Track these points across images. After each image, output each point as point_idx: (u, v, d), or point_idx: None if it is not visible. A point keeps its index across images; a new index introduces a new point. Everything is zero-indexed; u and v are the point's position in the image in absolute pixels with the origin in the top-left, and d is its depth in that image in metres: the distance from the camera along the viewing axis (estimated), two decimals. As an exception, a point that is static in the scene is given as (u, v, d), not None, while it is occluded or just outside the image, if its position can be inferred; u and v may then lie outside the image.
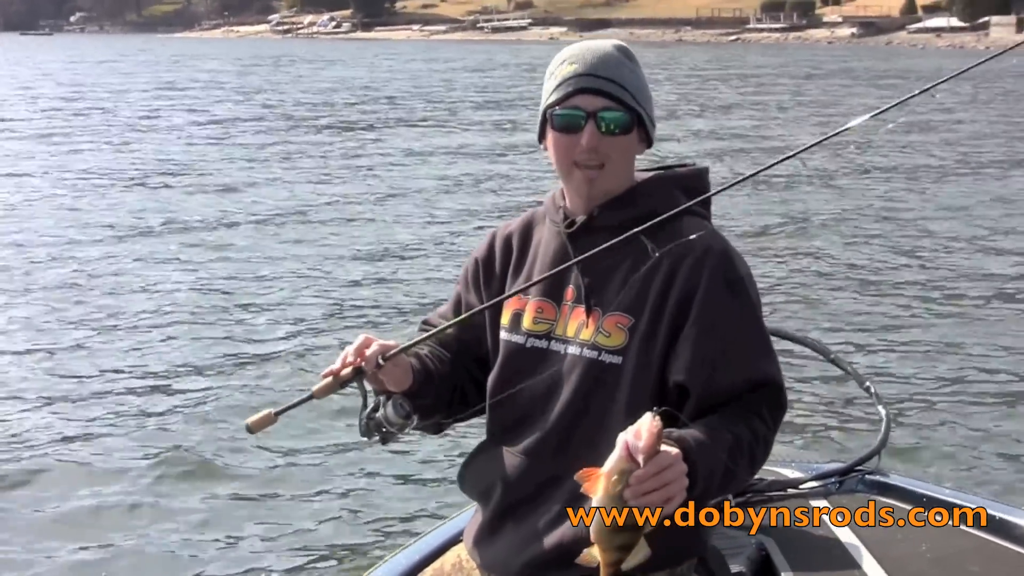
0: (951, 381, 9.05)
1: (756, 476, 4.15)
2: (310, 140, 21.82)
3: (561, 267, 2.69)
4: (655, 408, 2.32)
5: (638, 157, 2.74)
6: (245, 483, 7.19)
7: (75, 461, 7.33)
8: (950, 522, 3.99)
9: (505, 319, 2.76)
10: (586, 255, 2.63)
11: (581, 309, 2.65)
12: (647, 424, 2.29)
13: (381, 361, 2.58)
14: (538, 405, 2.66)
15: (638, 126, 2.65)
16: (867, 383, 4.66)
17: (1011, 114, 28.84)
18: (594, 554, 2.36)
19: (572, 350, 2.64)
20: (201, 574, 6.10)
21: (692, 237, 2.58)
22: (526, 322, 2.72)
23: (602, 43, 2.67)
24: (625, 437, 2.30)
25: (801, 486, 4.24)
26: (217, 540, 6.50)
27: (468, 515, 3.76)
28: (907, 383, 8.97)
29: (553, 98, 2.64)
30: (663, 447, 2.30)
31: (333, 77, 34.75)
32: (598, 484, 2.33)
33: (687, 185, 2.74)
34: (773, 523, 3.99)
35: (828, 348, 4.95)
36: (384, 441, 2.70)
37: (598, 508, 2.33)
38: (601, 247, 2.62)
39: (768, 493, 4.19)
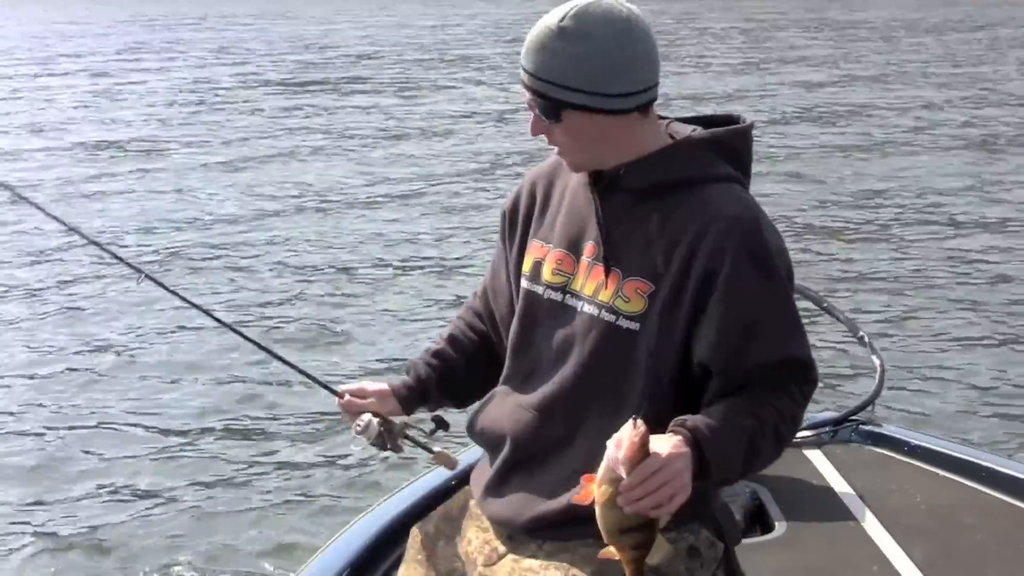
0: (946, 332, 9.05)
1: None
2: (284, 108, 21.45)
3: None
4: (634, 415, 2.28)
5: (665, 111, 2.66)
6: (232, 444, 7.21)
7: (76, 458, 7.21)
8: (944, 473, 4.00)
9: (527, 266, 2.71)
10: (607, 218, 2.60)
11: (600, 268, 2.58)
12: (627, 433, 2.26)
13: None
14: (552, 360, 2.62)
15: (570, 108, 2.53)
16: (861, 332, 4.66)
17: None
18: (613, 553, 2.36)
19: (589, 309, 2.58)
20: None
21: (721, 205, 2.52)
22: (545, 272, 2.66)
23: (545, 20, 2.54)
24: (610, 443, 2.28)
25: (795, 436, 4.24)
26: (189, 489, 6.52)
27: (472, 455, 3.79)
28: (902, 333, 8.97)
29: None
30: (665, 441, 2.30)
31: (286, 35, 34.03)
32: (590, 497, 2.32)
33: (725, 146, 2.62)
34: (767, 472, 3.99)
35: (822, 297, 4.95)
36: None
37: (601, 519, 2.32)
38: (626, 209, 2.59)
39: (762, 442, 4.19)
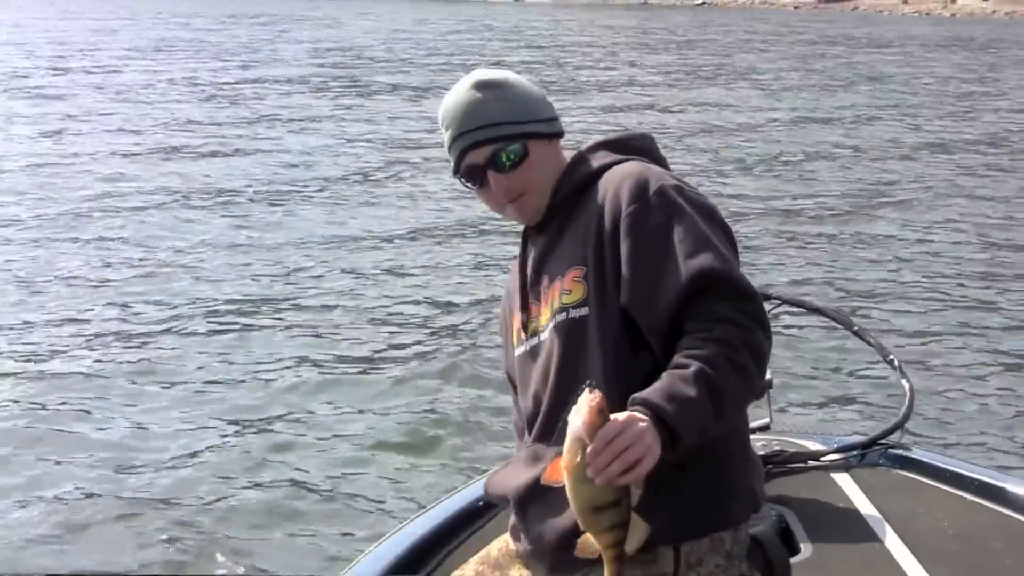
0: (976, 356, 9.02)
1: (777, 448, 4.17)
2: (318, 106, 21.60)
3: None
4: (590, 382, 2.33)
5: (568, 142, 2.83)
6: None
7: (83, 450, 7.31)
8: (972, 498, 3.97)
9: (515, 340, 2.84)
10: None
11: (550, 290, 2.70)
12: (584, 400, 2.29)
13: None
14: (540, 395, 2.69)
15: (534, 138, 2.72)
16: (891, 356, 4.64)
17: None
18: (589, 541, 2.34)
19: (550, 327, 2.67)
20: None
21: (615, 175, 2.66)
22: (524, 330, 2.78)
23: (459, 89, 2.76)
24: (570, 417, 2.30)
25: (823, 458, 4.23)
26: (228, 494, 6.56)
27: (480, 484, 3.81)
28: (932, 356, 8.93)
29: (453, 165, 2.77)
30: (628, 416, 2.30)
31: (301, 39, 34.08)
32: (560, 473, 2.32)
33: (616, 146, 2.78)
34: (794, 494, 3.98)
35: (852, 320, 4.93)
36: None
37: (572, 497, 2.31)
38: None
39: (789, 464, 4.18)
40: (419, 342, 9.25)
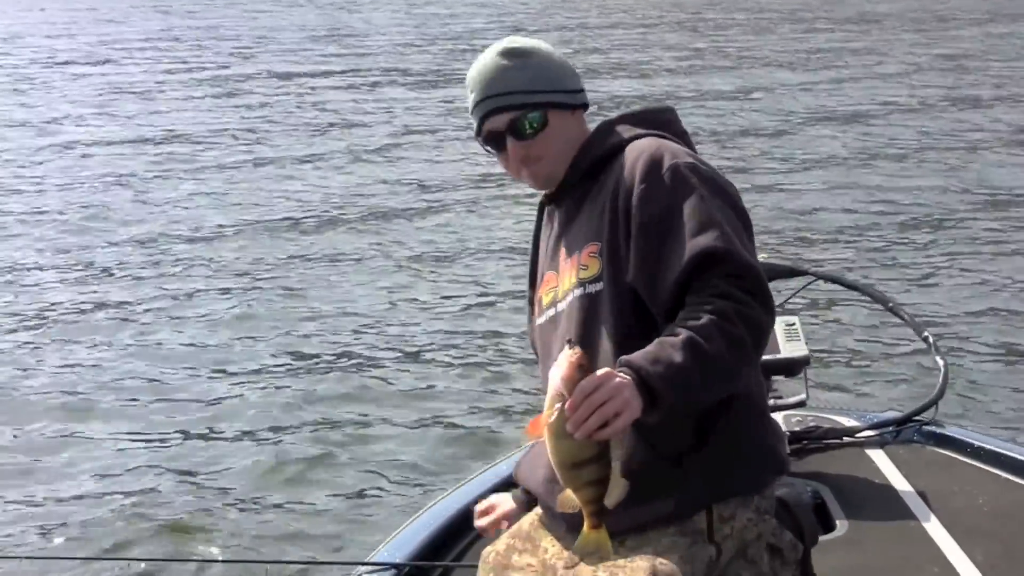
0: (1011, 333, 8.98)
1: (812, 424, 4.19)
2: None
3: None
4: (569, 339, 2.42)
5: (594, 114, 2.86)
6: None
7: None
8: (1007, 475, 3.99)
9: (536, 310, 2.92)
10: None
11: (567, 262, 2.76)
12: (564, 356, 2.36)
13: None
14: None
15: (555, 108, 2.78)
16: (925, 333, 4.65)
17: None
18: (570, 496, 2.38)
19: (568, 298, 2.73)
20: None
21: (633, 150, 2.70)
22: (545, 300, 2.85)
23: (487, 55, 2.83)
24: (550, 373, 2.37)
25: (857, 435, 4.25)
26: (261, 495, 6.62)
27: (513, 460, 3.84)
28: (966, 333, 8.90)
29: (475, 128, 2.84)
30: (606, 372, 2.34)
31: (297, 24, 33.85)
32: (539, 428, 2.36)
33: (640, 119, 2.83)
34: (829, 471, 4.00)
35: (887, 297, 4.94)
36: None
37: (552, 453, 2.36)
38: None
39: (824, 441, 4.20)
40: (440, 329, 9.27)
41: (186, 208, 12.95)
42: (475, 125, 2.84)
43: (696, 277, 2.51)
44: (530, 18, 35.02)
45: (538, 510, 2.91)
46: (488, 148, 2.84)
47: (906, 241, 11.70)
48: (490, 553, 2.88)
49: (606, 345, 2.61)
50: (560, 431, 2.33)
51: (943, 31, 31.89)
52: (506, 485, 3.73)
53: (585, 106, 2.84)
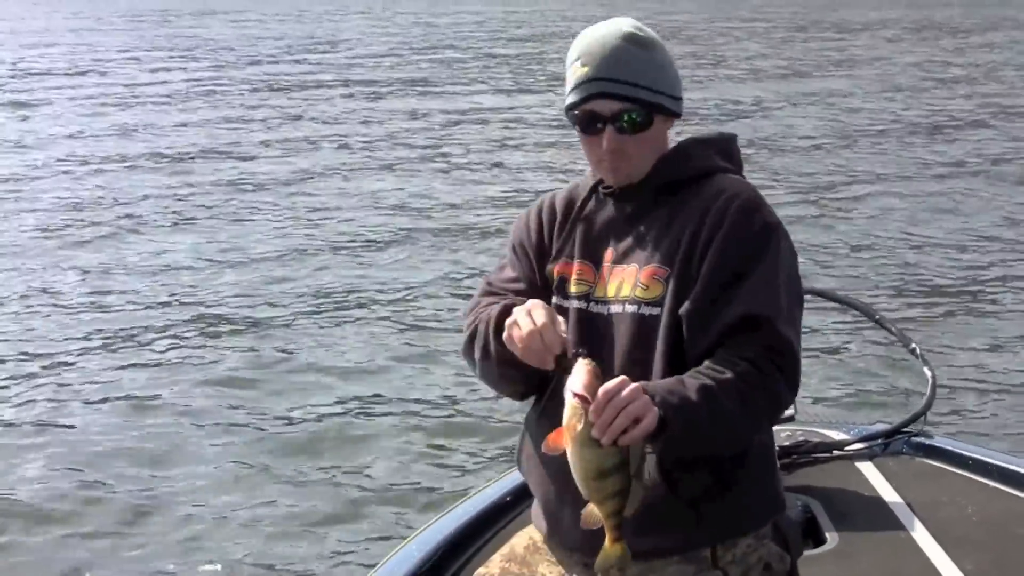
0: (998, 343, 9.00)
1: (802, 438, 4.20)
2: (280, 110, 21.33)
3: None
4: (582, 350, 2.42)
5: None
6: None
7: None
8: (996, 484, 4.00)
9: (555, 283, 2.79)
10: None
11: (620, 268, 2.69)
12: (579, 366, 2.38)
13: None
14: None
15: (660, 112, 2.69)
16: (913, 345, 4.66)
17: None
18: (593, 511, 2.40)
19: (615, 309, 2.67)
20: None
21: (725, 187, 2.66)
22: (571, 285, 2.75)
23: (611, 32, 2.67)
24: (568, 387, 2.38)
25: (846, 448, 4.26)
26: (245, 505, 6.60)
27: (509, 480, 3.84)
28: (954, 345, 8.92)
29: (571, 99, 2.69)
30: (623, 378, 2.38)
31: (274, 34, 33.64)
32: (564, 438, 2.38)
33: (720, 148, 2.79)
34: (818, 484, 4.01)
35: (874, 310, 4.96)
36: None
37: (576, 462, 2.37)
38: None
39: (813, 455, 4.21)
40: (438, 343, 9.27)
41: (152, 222, 13.00)
42: (573, 98, 2.68)
43: (734, 335, 2.53)
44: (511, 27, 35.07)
45: (532, 534, 2.89)
46: (577, 126, 2.71)
47: (892, 254, 11.73)
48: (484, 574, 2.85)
49: (657, 368, 2.59)
50: (585, 439, 2.35)
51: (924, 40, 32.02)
52: (497, 509, 3.75)
53: (679, 115, 2.75)
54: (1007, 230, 12.60)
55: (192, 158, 16.55)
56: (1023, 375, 8.34)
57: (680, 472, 2.58)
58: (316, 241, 12.29)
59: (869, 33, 34.85)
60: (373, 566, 3.66)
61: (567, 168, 15.27)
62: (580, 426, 2.35)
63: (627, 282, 2.66)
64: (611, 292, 2.68)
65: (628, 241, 2.71)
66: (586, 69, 2.65)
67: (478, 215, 13.32)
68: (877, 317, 4.81)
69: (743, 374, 2.49)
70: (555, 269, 2.79)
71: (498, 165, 16.34)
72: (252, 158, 16.53)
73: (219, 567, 5.89)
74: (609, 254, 2.72)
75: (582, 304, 2.71)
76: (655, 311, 2.61)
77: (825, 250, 11.66)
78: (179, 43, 32.35)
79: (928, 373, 4.50)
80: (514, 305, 2.59)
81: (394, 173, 15.80)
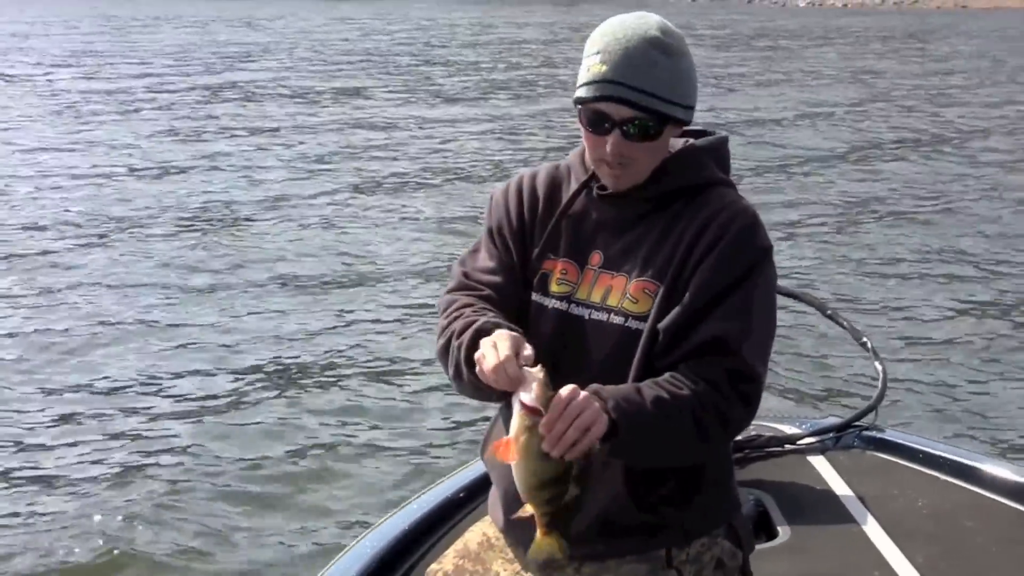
0: (948, 337, 9.08)
1: (754, 432, 4.21)
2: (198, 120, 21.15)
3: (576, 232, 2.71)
4: (541, 362, 2.38)
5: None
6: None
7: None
8: (945, 477, 4.02)
9: (535, 278, 2.72)
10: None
11: (607, 275, 2.64)
12: (531, 376, 2.36)
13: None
14: (559, 372, 2.55)
15: (670, 122, 2.60)
16: (864, 338, 4.68)
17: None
18: (528, 509, 2.42)
19: (598, 316, 2.62)
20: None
21: (723, 204, 2.61)
22: (552, 284, 2.69)
23: (637, 33, 2.57)
24: (517, 397, 2.36)
25: (798, 442, 4.27)
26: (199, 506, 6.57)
27: (463, 476, 3.83)
28: (905, 338, 9.00)
29: (582, 93, 2.60)
30: (572, 388, 2.36)
31: (221, 42, 33.40)
32: (512, 449, 2.37)
33: (717, 156, 2.73)
34: (770, 478, 4.02)
35: (825, 303, 4.97)
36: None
37: (521, 474, 2.38)
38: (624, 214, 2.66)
39: (765, 448, 4.22)
40: (398, 338, 9.25)
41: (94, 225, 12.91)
42: (584, 93, 2.58)
43: (702, 355, 2.51)
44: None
45: (486, 529, 2.87)
46: (583, 122, 2.61)
47: (842, 247, 11.81)
48: (436, 572, 2.83)
49: (630, 379, 2.56)
50: (534, 452, 2.35)
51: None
52: (451, 505, 3.73)
53: (688, 123, 2.66)
54: (957, 225, 12.71)
55: (129, 172, 16.25)
56: (973, 369, 8.40)
57: (641, 479, 2.57)
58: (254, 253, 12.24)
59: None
60: (325, 564, 3.64)
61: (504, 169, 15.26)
62: (527, 438, 2.34)
63: (615, 291, 2.61)
64: (595, 297, 2.63)
65: (618, 247, 2.65)
66: (604, 68, 2.55)
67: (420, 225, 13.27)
68: (829, 311, 4.83)
69: (700, 394, 2.47)
70: (535, 261, 2.72)
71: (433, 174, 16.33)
72: (182, 171, 16.35)
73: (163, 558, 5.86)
74: (596, 257, 2.66)
75: (562, 305, 2.66)
76: (641, 325, 2.58)
77: (774, 244, 11.69)
78: (109, 49, 32.10)
79: (879, 367, 4.52)
80: (484, 328, 2.53)
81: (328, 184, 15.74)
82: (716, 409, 2.49)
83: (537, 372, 2.37)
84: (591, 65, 2.57)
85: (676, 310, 2.54)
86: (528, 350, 2.43)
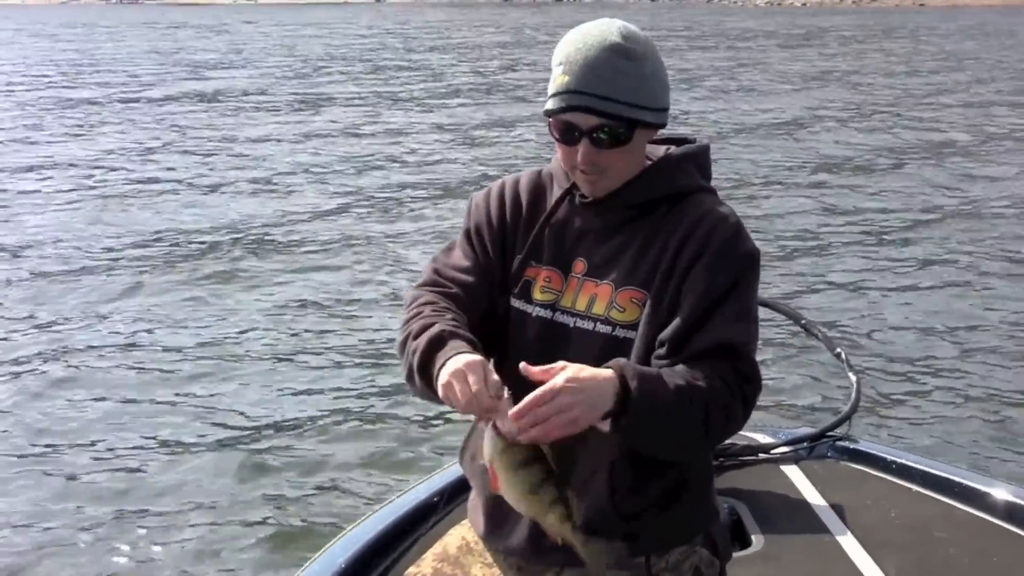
0: (921, 349, 9.12)
1: (728, 441, 4.22)
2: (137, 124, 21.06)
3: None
4: (509, 391, 2.36)
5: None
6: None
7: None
8: (918, 488, 4.05)
9: (516, 285, 2.72)
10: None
11: (592, 283, 2.64)
12: (503, 404, 2.34)
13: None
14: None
15: (641, 126, 2.60)
16: (838, 349, 4.70)
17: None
18: (551, 526, 2.40)
19: (583, 324, 2.62)
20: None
21: (706, 211, 2.61)
22: (535, 291, 2.69)
23: (597, 41, 2.57)
24: (490, 423, 2.36)
25: (772, 451, 4.29)
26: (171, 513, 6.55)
27: (441, 478, 3.83)
28: (878, 350, 9.03)
29: (549, 105, 2.60)
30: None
31: (148, 50, 33.37)
32: (495, 478, 2.38)
33: (699, 163, 2.73)
34: (745, 487, 4.03)
35: (800, 314, 4.99)
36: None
37: (509, 489, 2.38)
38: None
39: (740, 457, 4.24)
40: (374, 343, 9.25)
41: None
42: (552, 105, 2.58)
43: (709, 360, 2.50)
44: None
45: (465, 533, 2.86)
46: (555, 134, 2.61)
47: (815, 256, 11.85)
48: (415, 573, 2.83)
49: None
50: (510, 464, 2.35)
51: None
52: (428, 507, 3.73)
53: (663, 126, 2.66)
54: (930, 238, 12.76)
55: (86, 189, 16.17)
56: (947, 380, 8.44)
57: (623, 487, 2.57)
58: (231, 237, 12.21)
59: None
60: (300, 567, 3.64)
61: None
62: (501, 448, 2.35)
63: (600, 300, 2.61)
64: (580, 306, 2.63)
65: (601, 255, 2.64)
66: (567, 79, 2.55)
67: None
68: (803, 322, 4.85)
69: (716, 389, 2.47)
70: (518, 268, 2.71)
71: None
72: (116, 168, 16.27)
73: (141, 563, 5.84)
74: (580, 265, 2.66)
75: (546, 313, 2.66)
76: (630, 335, 2.58)
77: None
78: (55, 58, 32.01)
79: (853, 378, 4.55)
80: (439, 337, 2.52)
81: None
82: (725, 406, 2.49)
83: (507, 401, 2.35)
84: (556, 77, 2.58)
85: (676, 321, 2.53)
86: (494, 376, 2.41)
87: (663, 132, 2.72)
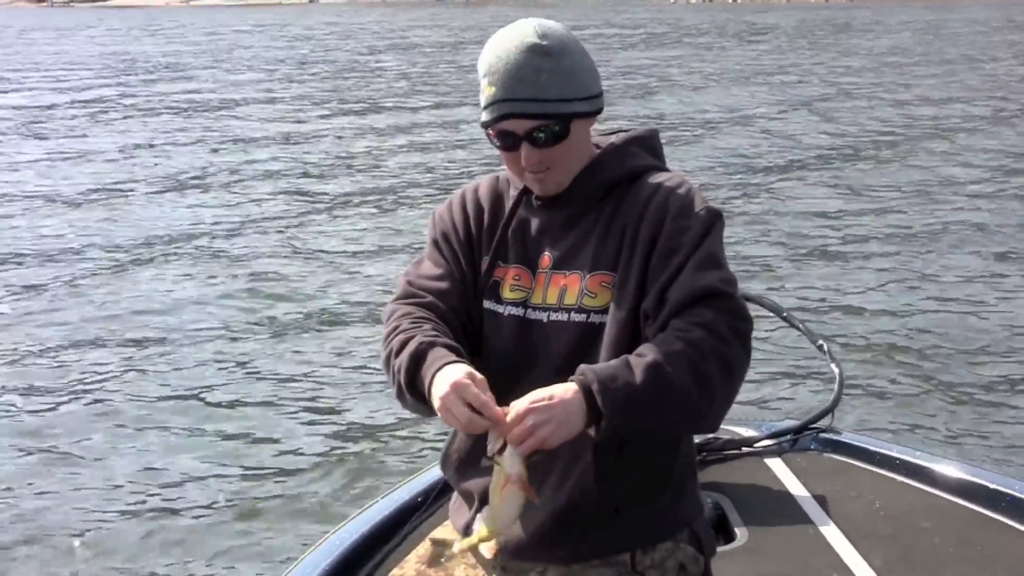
0: (904, 340, 9.13)
1: (710, 436, 4.22)
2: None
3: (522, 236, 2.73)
4: (494, 454, 2.42)
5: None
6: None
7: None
8: (902, 479, 4.05)
9: (486, 287, 2.74)
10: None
11: (560, 276, 2.65)
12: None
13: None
14: (522, 377, 2.60)
15: (576, 118, 2.63)
16: (820, 341, 4.70)
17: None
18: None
19: (557, 317, 2.63)
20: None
21: (658, 184, 2.64)
22: (505, 290, 2.70)
23: (514, 45, 2.60)
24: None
25: (755, 444, 4.28)
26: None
27: (423, 480, 3.82)
28: (860, 342, 9.04)
29: (484, 117, 2.64)
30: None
31: (87, 53, 33.37)
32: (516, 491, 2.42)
33: (646, 144, 2.76)
34: (728, 481, 4.03)
35: (781, 306, 4.98)
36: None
37: (507, 508, 2.44)
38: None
39: (723, 451, 4.23)
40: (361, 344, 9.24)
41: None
42: (486, 116, 2.63)
43: (692, 306, 2.50)
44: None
45: (448, 535, 2.84)
46: (496, 144, 2.65)
47: (797, 249, 11.87)
48: None
49: None
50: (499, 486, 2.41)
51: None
52: (412, 508, 3.71)
53: (600, 111, 2.68)
54: (913, 228, 12.78)
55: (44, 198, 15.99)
56: (930, 371, 8.45)
57: (605, 480, 2.57)
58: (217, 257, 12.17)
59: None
60: (284, 570, 3.62)
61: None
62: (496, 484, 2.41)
63: (571, 290, 2.63)
64: (551, 299, 2.64)
65: (566, 247, 2.66)
66: (494, 89, 2.59)
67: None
68: (785, 314, 4.84)
69: (695, 341, 2.45)
70: (486, 270, 2.73)
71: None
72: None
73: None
74: (546, 259, 2.68)
75: (518, 311, 2.67)
76: (603, 318, 2.59)
77: (729, 247, 11.73)
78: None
79: (835, 369, 4.54)
80: (419, 352, 2.55)
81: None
82: (716, 354, 2.46)
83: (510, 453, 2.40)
84: (484, 88, 2.63)
85: (652, 288, 2.54)
86: (488, 394, 2.43)
87: (614, 126, 2.77)
